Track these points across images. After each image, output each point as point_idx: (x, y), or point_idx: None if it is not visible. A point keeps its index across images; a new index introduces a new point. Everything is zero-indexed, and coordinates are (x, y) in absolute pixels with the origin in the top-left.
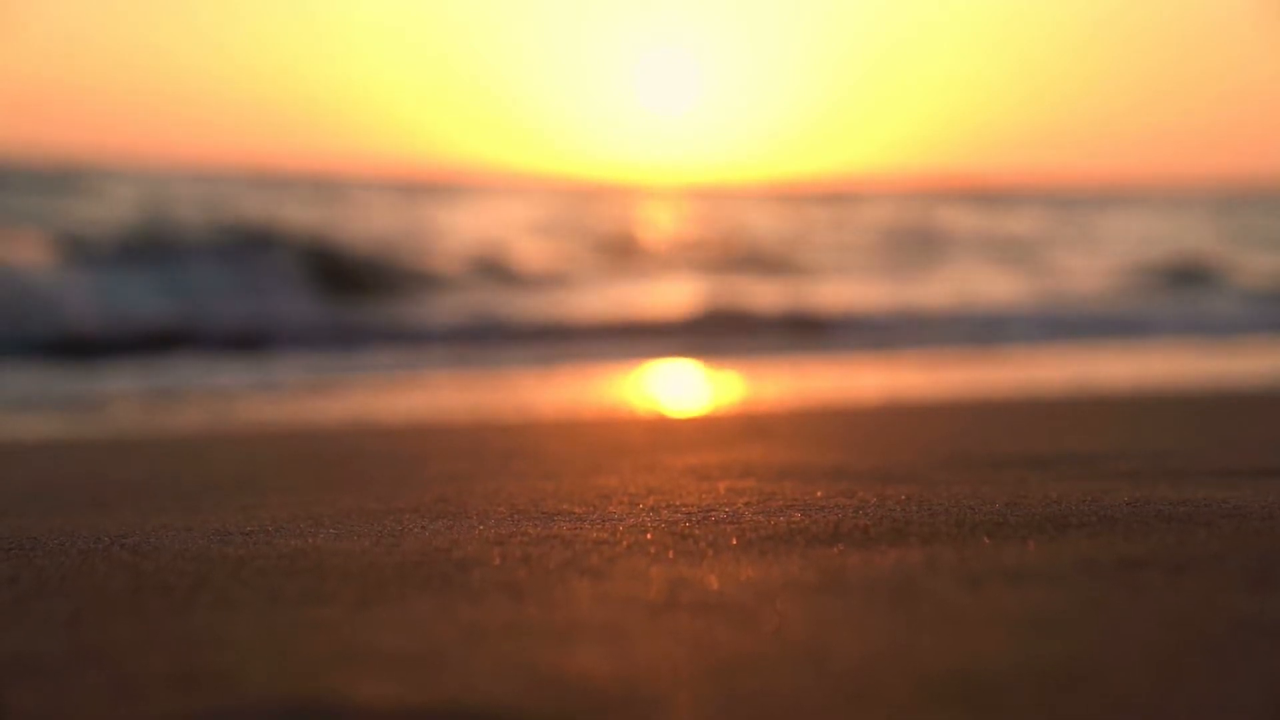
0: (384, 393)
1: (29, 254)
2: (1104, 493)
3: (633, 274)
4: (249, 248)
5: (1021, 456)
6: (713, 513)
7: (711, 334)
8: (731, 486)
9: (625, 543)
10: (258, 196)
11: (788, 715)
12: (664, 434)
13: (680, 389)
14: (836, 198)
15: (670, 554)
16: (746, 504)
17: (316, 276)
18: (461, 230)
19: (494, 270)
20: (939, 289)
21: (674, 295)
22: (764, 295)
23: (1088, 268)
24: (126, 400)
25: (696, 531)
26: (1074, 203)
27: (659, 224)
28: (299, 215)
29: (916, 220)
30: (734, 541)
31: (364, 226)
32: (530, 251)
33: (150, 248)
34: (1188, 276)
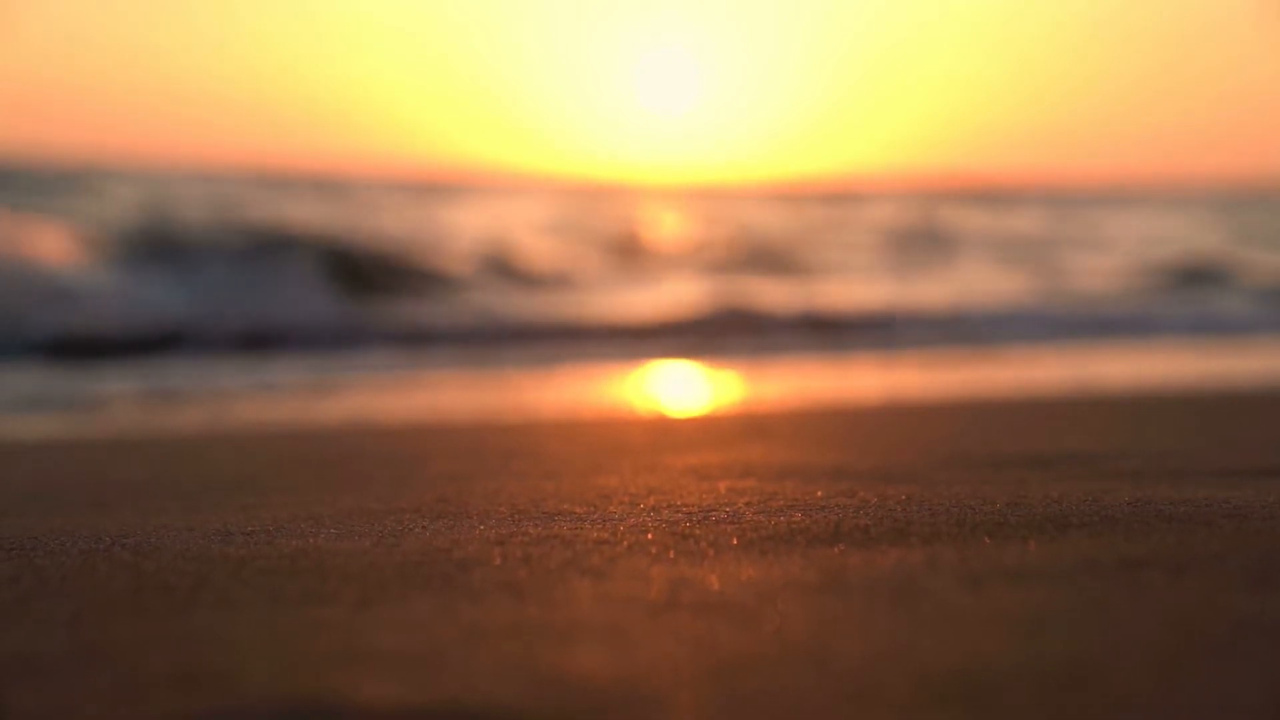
0: (386, 392)
1: (43, 251)
2: (1105, 492)
3: (638, 274)
4: (268, 249)
5: (1022, 456)
6: (713, 513)
7: (715, 334)
8: (732, 486)
9: (626, 543)
10: (261, 197)
11: (789, 715)
12: (665, 434)
13: (682, 389)
14: (839, 197)
15: (671, 554)
16: (747, 504)
17: (336, 278)
18: (466, 230)
19: (499, 270)
20: (941, 288)
21: (679, 295)
22: (768, 295)
23: (1093, 267)
24: (129, 400)
25: (697, 531)
26: (1077, 202)
27: (663, 224)
28: (305, 216)
29: (920, 220)
30: (735, 541)
31: (370, 226)
32: (535, 251)
33: (165, 249)
34: (1197, 276)
